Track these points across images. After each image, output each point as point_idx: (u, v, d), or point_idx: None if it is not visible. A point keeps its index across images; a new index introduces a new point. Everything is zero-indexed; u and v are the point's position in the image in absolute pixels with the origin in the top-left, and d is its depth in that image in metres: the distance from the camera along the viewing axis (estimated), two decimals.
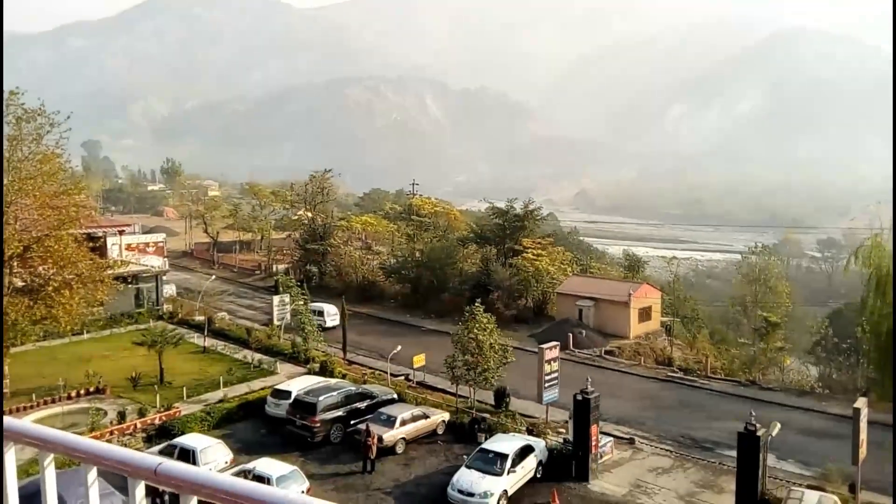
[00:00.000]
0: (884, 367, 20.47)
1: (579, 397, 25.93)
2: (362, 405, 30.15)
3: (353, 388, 31.13)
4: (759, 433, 22.31)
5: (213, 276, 65.01)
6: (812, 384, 44.45)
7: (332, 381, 32.91)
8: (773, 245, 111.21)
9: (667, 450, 29.10)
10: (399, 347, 37.04)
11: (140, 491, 2.13)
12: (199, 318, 47.88)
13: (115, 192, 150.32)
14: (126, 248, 59.89)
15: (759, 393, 37.95)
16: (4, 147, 27.87)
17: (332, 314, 49.43)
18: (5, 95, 28.40)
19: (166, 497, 21.55)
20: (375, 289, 63.37)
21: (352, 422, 29.20)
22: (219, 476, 2.01)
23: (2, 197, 25.40)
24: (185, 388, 33.17)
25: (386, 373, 36.61)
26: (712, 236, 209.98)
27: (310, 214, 73.24)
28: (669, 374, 42.39)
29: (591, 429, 25.70)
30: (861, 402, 23.50)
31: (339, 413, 29.15)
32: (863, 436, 22.90)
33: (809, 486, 23.07)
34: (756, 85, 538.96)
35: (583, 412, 25.72)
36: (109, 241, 51.46)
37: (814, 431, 30.97)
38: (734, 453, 23.23)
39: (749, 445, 22.26)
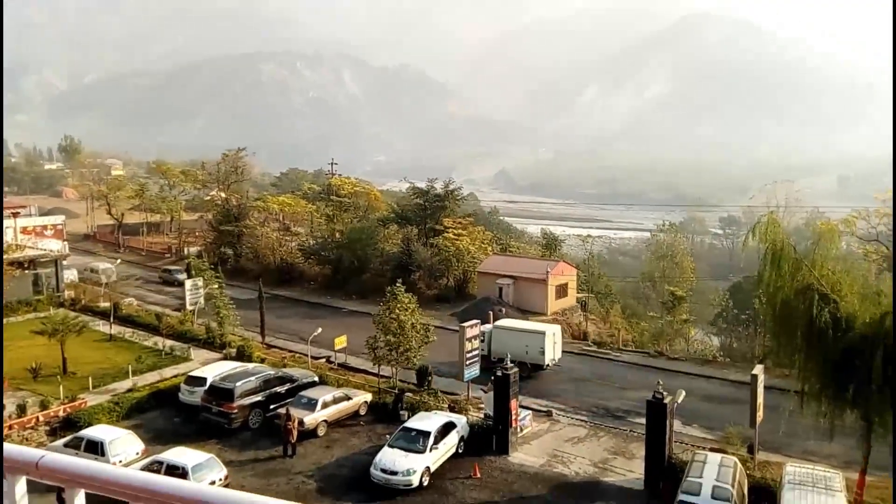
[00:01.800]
0: (778, 335, 21.95)
1: (498, 373, 26.47)
2: (282, 389, 29.60)
3: (272, 373, 30.49)
4: (666, 401, 23.54)
5: (118, 260, 61.74)
6: (714, 353, 47.40)
7: (250, 365, 32.09)
8: (679, 223, 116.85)
9: (582, 420, 30.26)
10: (319, 329, 36.52)
11: (21, 487, 1.96)
12: (105, 304, 45.44)
13: (9, 172, 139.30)
14: (21, 232, 55.94)
15: (666, 363, 40.03)
16: None
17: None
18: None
19: None
20: (294, 271, 62.09)
21: (271, 406, 28.64)
22: (109, 468, 1.87)
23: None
24: (90, 378, 31.47)
25: (306, 356, 36.07)
26: (625, 215, 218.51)
27: (223, 195, 70.62)
28: (584, 347, 43.96)
29: (511, 403, 26.33)
30: (758, 369, 25.21)
31: (258, 398, 28.51)
32: (760, 400, 24.61)
33: (712, 449, 24.60)
34: (664, 68, 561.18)
35: (502, 388, 26.29)
36: (4, 224, 47.82)
37: (716, 397, 33.05)
38: (644, 420, 24.41)
39: (657, 413, 23.47)
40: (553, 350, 36.18)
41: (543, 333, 35.78)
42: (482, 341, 32.97)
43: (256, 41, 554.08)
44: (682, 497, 19.51)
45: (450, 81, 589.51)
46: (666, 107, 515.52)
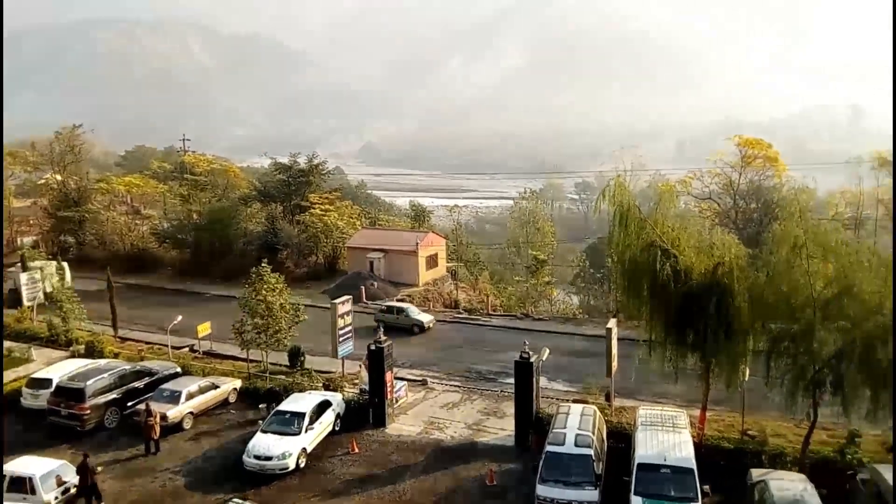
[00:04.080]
0: (627, 290, 23.66)
1: (372, 347, 26.47)
2: (140, 384, 27.75)
3: (127, 367, 28.41)
4: (532, 360, 24.76)
5: None
6: (575, 311, 50.51)
7: (102, 362, 29.66)
8: (539, 190, 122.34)
9: (456, 386, 31.12)
10: (179, 317, 34.44)
11: None
12: None
13: None
14: None
15: (532, 324, 42.09)
16: None
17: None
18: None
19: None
20: (148, 257, 58.13)
21: (129, 403, 26.78)
22: None
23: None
24: None
25: (166, 346, 33.98)
26: (489, 184, 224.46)
27: (59, 177, 63.96)
28: (456, 315, 45.11)
29: (386, 376, 26.48)
30: (612, 323, 27.14)
31: (113, 395, 26.54)
32: (614, 351, 26.57)
33: (574, 401, 26.27)
34: (519, 38, 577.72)
35: (377, 361, 26.33)
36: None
37: (576, 352, 35.26)
38: (513, 380, 25.53)
39: (523, 372, 24.64)
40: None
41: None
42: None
43: (85, 8, 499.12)
44: (548, 448, 20.70)
45: (308, 51, 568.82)
46: (522, 77, 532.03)
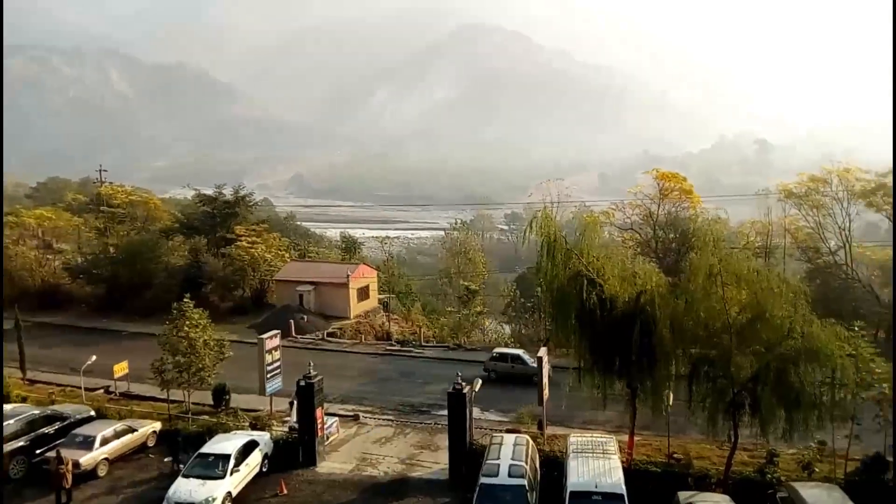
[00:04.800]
0: (556, 318, 24.22)
1: (302, 383, 25.78)
2: (51, 429, 25.95)
3: (36, 412, 26.53)
4: (465, 391, 24.74)
5: None
6: (507, 340, 50.89)
7: (8, 407, 27.56)
8: (470, 221, 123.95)
9: (389, 420, 30.66)
10: (94, 357, 32.55)
11: None
12: None
13: None
14: None
15: (464, 354, 42.18)
16: None
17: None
18: None
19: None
20: (61, 293, 55.07)
21: (38, 451, 24.94)
22: None
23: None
24: None
25: (80, 388, 31.98)
26: (420, 215, 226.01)
27: None
28: (388, 348, 44.67)
29: (317, 412, 25.80)
30: (542, 351, 27.54)
31: (20, 443, 24.67)
32: (545, 380, 26.93)
33: (507, 430, 26.36)
34: (448, 73, 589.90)
35: (307, 397, 25.64)
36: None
37: (509, 381, 35.46)
38: (447, 412, 25.38)
39: (457, 403, 24.55)
40: None
41: None
42: None
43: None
44: (482, 480, 20.61)
45: (234, 81, 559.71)
46: (452, 110, 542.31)
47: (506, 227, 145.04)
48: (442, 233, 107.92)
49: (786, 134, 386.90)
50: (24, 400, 30.49)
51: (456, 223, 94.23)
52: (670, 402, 23.12)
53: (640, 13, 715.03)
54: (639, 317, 21.74)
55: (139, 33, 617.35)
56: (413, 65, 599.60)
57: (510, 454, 21.81)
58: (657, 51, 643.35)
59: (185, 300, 29.97)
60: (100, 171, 60.96)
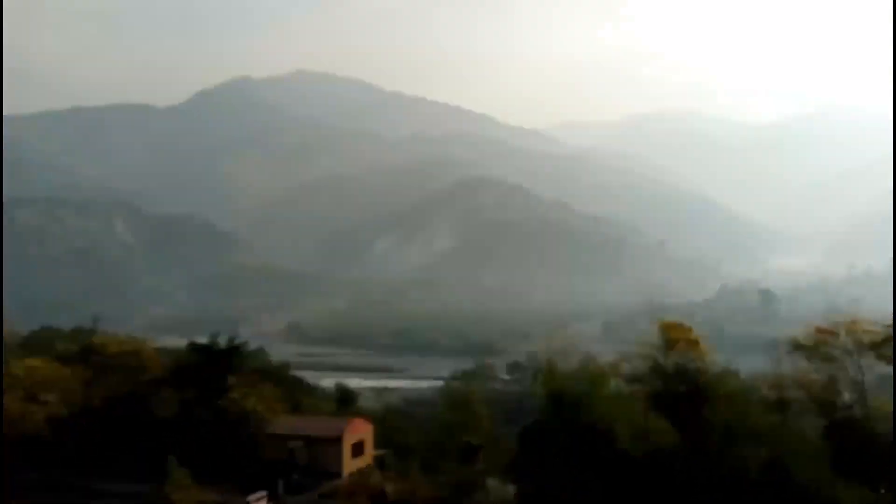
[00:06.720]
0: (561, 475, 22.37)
1: None
2: None
3: None
4: None
5: None
6: (511, 500, 47.26)
7: None
8: (471, 370, 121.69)
9: None
10: None
11: None
12: None
13: None
14: None
15: None
16: None
17: None
18: None
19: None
20: (44, 446, 52.05)
21: None
22: None
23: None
24: None
25: None
26: (420, 363, 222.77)
27: None
28: None
29: None
30: None
31: None
32: None
33: None
34: (449, 223, 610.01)
35: None
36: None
37: None
38: None
39: None
40: None
41: None
42: None
43: (11, 186, 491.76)
44: None
45: (238, 232, 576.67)
46: (453, 259, 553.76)
47: (508, 377, 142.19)
48: (441, 382, 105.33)
49: (788, 280, 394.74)
50: None
51: (457, 372, 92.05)
52: None
53: (637, 162, 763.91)
54: (653, 475, 20.07)
55: (153, 186, 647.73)
56: (413, 216, 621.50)
57: None
58: (655, 205, 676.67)
59: (170, 458, 28.11)
60: (94, 319, 60.47)
